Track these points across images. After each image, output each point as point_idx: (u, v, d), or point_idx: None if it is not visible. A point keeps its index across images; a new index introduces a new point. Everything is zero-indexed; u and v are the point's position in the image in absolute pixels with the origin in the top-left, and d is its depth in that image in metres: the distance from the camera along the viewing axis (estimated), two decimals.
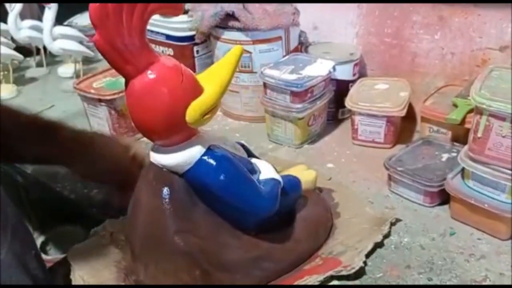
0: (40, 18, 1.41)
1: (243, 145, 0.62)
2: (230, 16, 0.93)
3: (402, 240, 0.67)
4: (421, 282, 0.60)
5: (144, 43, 0.47)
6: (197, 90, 0.51)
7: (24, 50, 1.37)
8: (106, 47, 0.45)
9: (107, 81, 0.97)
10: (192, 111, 0.50)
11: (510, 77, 0.64)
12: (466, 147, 0.67)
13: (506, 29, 0.83)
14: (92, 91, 0.91)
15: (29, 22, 1.32)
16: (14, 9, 1.25)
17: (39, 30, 1.33)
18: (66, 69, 1.34)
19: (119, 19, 0.44)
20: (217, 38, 0.98)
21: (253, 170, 0.59)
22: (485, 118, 0.61)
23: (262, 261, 0.58)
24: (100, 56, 1.37)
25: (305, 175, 0.70)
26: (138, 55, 0.47)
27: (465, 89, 0.84)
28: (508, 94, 0.60)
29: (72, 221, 0.76)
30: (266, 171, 0.60)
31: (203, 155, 0.52)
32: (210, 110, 0.51)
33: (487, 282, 0.59)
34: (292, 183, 0.64)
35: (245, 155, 0.60)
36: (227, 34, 0.96)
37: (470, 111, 0.77)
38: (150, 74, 0.48)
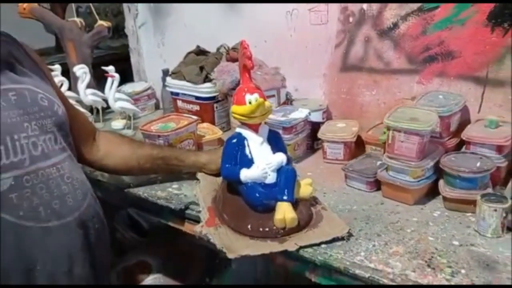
0: (93, 86, 1.87)
1: (276, 136, 1.05)
2: None
3: (352, 208, 1.09)
4: (361, 225, 1.01)
5: (242, 76, 1.01)
6: (238, 101, 0.99)
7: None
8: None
9: (160, 125, 1.40)
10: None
11: (407, 111, 1.10)
12: (386, 152, 1.11)
13: (413, 87, 1.31)
14: (154, 131, 1.35)
15: (90, 90, 1.78)
16: (84, 81, 1.71)
17: (97, 95, 1.79)
18: (117, 123, 1.77)
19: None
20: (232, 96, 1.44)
21: (246, 159, 1.01)
22: (391, 132, 1.06)
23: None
24: (140, 114, 1.81)
25: (304, 188, 1.02)
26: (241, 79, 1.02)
27: None
28: (403, 119, 1.05)
29: None
30: (258, 163, 1.00)
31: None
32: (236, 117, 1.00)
33: (398, 224, 1.00)
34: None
35: (266, 148, 1.02)
36: None
37: None
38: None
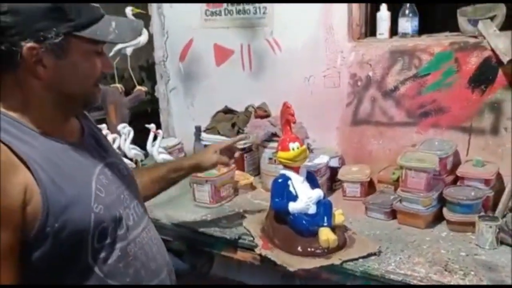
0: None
1: (312, 176, 1.30)
2: (274, 134, 1.66)
3: (376, 232, 1.32)
4: (386, 244, 1.24)
5: (284, 128, 1.25)
6: (283, 148, 1.24)
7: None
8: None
9: (204, 173, 1.64)
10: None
11: (413, 155, 1.38)
12: (400, 187, 1.37)
13: (413, 136, 1.60)
14: (203, 176, 1.58)
15: (131, 146, 2.01)
16: (128, 138, 1.95)
17: (137, 150, 2.02)
18: None
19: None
20: (265, 147, 1.70)
21: (292, 195, 1.25)
22: (404, 170, 1.32)
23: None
24: None
25: (338, 217, 1.27)
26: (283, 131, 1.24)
27: (397, 166, 1.56)
28: (412, 160, 1.33)
29: None
30: (301, 197, 1.25)
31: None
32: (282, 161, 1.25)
33: (416, 242, 1.24)
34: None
35: (306, 185, 1.27)
36: (271, 144, 1.67)
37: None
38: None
